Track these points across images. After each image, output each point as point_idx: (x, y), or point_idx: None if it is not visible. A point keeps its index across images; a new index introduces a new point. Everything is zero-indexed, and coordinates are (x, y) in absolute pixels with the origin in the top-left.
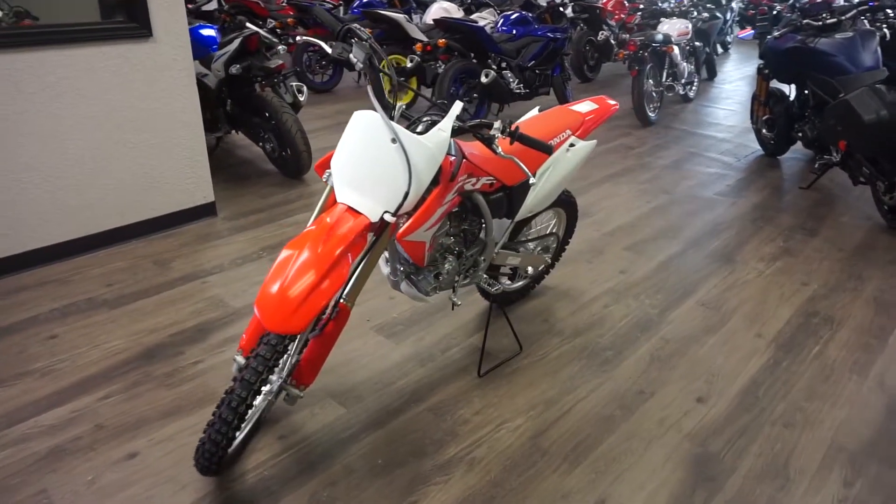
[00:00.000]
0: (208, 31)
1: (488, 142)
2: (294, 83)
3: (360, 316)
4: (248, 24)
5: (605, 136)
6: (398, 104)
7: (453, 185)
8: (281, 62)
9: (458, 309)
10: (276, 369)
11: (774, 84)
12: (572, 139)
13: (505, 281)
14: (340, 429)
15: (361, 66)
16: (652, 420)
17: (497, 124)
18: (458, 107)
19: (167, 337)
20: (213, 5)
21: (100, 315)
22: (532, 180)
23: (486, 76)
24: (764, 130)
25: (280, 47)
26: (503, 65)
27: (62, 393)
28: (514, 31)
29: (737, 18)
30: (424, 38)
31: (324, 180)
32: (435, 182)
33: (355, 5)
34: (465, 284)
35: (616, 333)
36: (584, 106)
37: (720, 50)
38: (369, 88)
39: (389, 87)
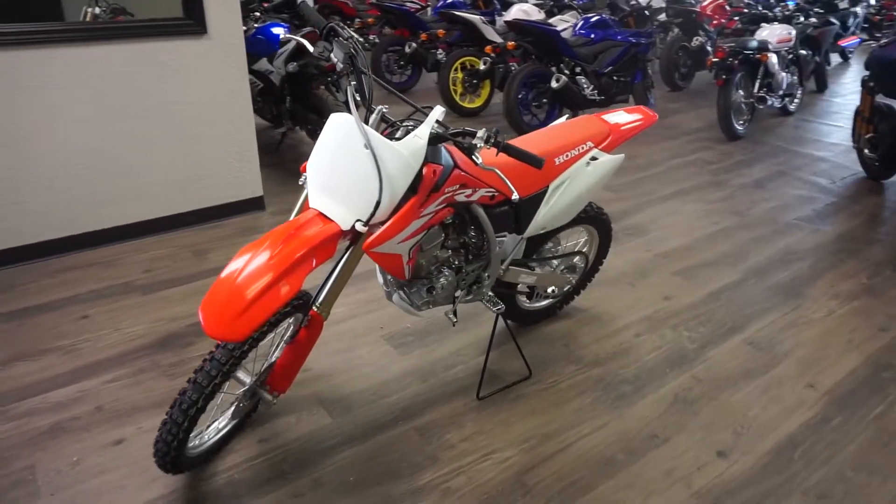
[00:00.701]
0: (277, 30)
1: (468, 151)
2: (353, 83)
3: (374, 322)
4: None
5: (682, 149)
6: (430, 110)
7: (437, 196)
8: (330, 62)
9: (475, 326)
10: (247, 371)
11: (881, 99)
12: (595, 152)
13: (523, 300)
14: (321, 438)
15: (342, 66)
16: (659, 469)
17: (481, 133)
18: (437, 112)
19: (184, 327)
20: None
21: (131, 299)
22: (515, 197)
23: (557, 81)
24: (866, 150)
25: (335, 46)
26: (577, 70)
27: (76, 372)
28: (593, 35)
29: (864, 25)
30: (500, 41)
31: (300, 183)
32: (414, 191)
33: (438, 6)
34: (468, 300)
35: (641, 367)
36: (617, 116)
37: (838, 59)
38: (349, 89)
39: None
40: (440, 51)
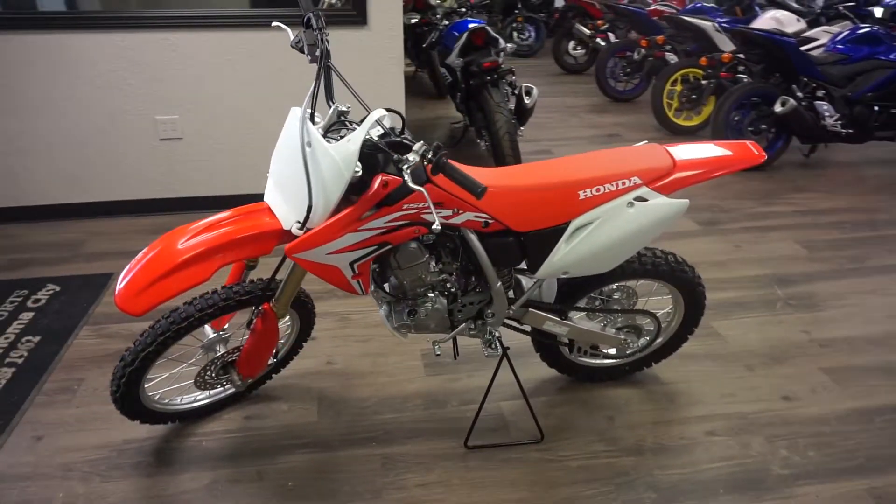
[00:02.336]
0: (472, 25)
1: (398, 167)
2: (524, 84)
3: (424, 335)
4: (577, 26)
5: None
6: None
7: (390, 212)
8: (491, 59)
9: (521, 366)
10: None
11: None
12: (644, 191)
13: (566, 351)
14: (294, 434)
15: (310, 58)
16: None
17: (417, 146)
18: (375, 114)
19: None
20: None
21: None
22: (435, 226)
23: (782, 105)
24: None
25: (507, 45)
26: (819, 93)
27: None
28: (852, 53)
29: None
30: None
31: (268, 175)
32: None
33: (685, 9)
34: (473, 335)
35: (688, 475)
36: (696, 149)
37: None
38: (316, 83)
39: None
40: (673, 57)
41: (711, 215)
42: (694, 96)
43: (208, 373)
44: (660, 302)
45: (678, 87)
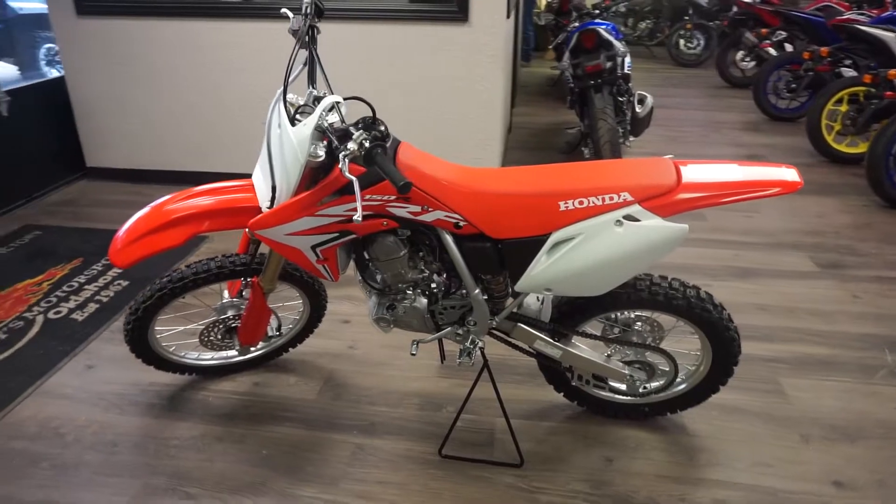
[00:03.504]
0: (593, 27)
1: (336, 155)
2: (639, 92)
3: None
4: (746, 35)
5: None
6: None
7: (352, 200)
8: (595, 63)
9: (539, 389)
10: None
11: None
12: (635, 209)
13: (570, 377)
14: (287, 408)
15: (299, 44)
16: None
17: (357, 135)
18: (329, 100)
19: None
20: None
21: None
22: (356, 217)
23: None
24: None
25: (620, 49)
26: None
27: None
28: None
29: None
30: None
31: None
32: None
33: (876, 19)
34: (458, 341)
35: None
36: (713, 169)
37: None
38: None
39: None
40: (851, 73)
41: (837, 257)
42: (858, 118)
43: (212, 333)
44: (689, 343)
45: (843, 108)
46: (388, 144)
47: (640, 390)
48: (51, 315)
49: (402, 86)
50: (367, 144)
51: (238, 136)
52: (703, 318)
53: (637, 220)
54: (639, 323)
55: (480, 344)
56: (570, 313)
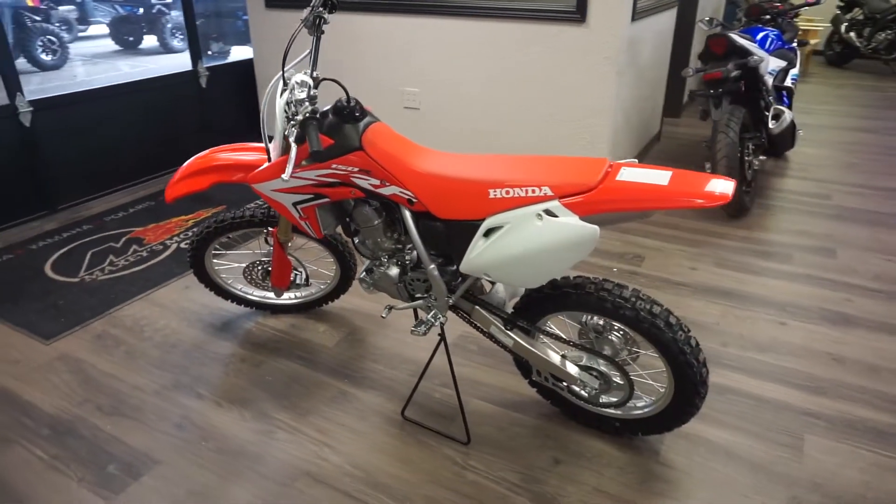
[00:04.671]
0: (762, 33)
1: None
2: (775, 106)
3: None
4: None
5: None
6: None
7: (321, 167)
8: (714, 71)
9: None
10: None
11: None
12: (554, 205)
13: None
14: (305, 349)
15: (308, 31)
16: None
17: (303, 108)
18: (297, 77)
19: None
20: None
21: None
22: (284, 176)
23: None
24: None
25: (755, 57)
26: None
27: None
28: None
29: None
30: None
31: None
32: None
33: None
34: (430, 311)
35: None
36: (641, 174)
37: None
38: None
39: None
40: None
41: None
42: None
43: (253, 272)
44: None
45: None
46: (363, 122)
47: (591, 397)
48: (182, 245)
49: (512, 83)
50: (306, 116)
51: None
52: (652, 335)
53: (555, 217)
54: (614, 333)
55: (442, 319)
56: (526, 306)
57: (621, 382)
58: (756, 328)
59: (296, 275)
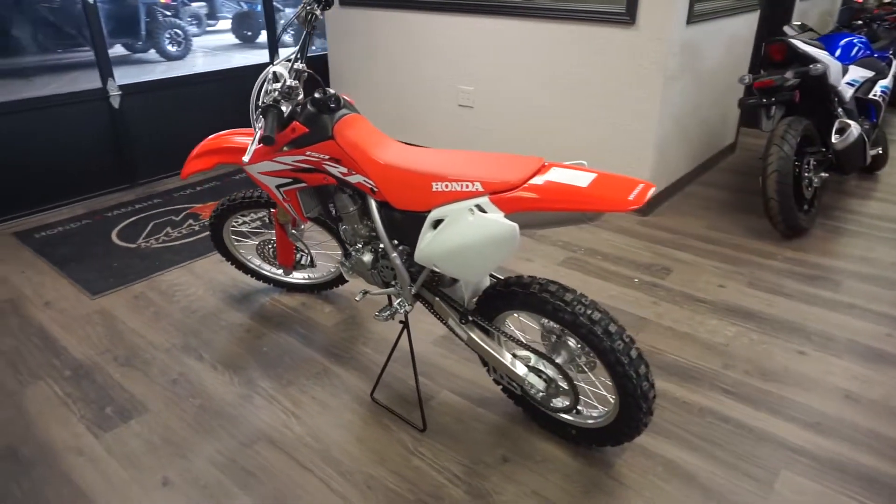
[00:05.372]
0: (845, 40)
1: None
2: (840, 119)
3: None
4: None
5: None
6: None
7: (296, 154)
8: (765, 79)
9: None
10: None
11: None
12: (484, 201)
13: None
14: (305, 326)
15: (302, 26)
16: None
17: (269, 97)
18: (271, 68)
19: None
20: None
21: None
22: (244, 158)
23: None
24: None
25: (817, 66)
26: None
27: None
28: None
29: None
30: None
31: None
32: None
33: None
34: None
35: None
36: (566, 175)
37: None
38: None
39: None
40: None
41: None
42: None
43: (265, 248)
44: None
45: None
46: (338, 113)
47: (541, 400)
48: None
49: (560, 84)
50: (267, 104)
51: (422, 113)
52: (590, 341)
53: (484, 212)
54: (571, 338)
55: (407, 308)
56: (481, 303)
57: (566, 388)
58: (768, 354)
59: (301, 256)
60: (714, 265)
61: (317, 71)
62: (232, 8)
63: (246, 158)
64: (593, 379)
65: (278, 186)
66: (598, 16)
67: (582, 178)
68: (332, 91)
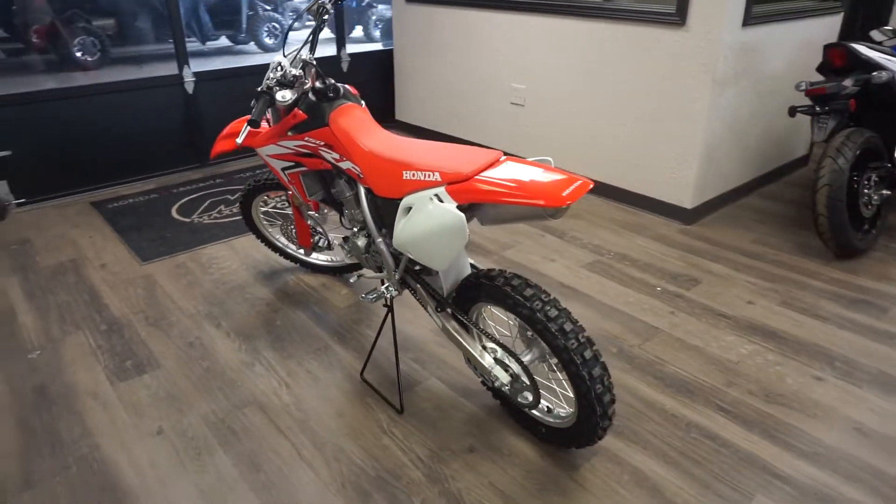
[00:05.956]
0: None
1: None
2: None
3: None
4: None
5: None
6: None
7: (296, 139)
8: (819, 86)
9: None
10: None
11: None
12: (440, 190)
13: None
14: (320, 306)
15: (313, 19)
16: None
17: (264, 85)
18: (276, 59)
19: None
20: None
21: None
22: (238, 140)
23: None
24: None
25: (880, 73)
26: None
27: None
28: None
29: None
30: None
31: None
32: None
33: None
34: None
35: None
36: (517, 169)
37: None
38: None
39: None
40: None
41: None
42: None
43: (287, 229)
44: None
45: None
46: (336, 102)
47: (508, 393)
48: (278, 204)
49: (608, 85)
50: (261, 90)
51: (476, 109)
52: (545, 338)
53: (442, 202)
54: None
55: (394, 293)
56: (458, 292)
57: (528, 383)
58: (780, 377)
59: (319, 238)
60: (748, 280)
61: (381, 64)
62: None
63: (238, 141)
64: (562, 378)
65: (283, 169)
66: (647, 16)
67: (527, 174)
68: (332, 81)
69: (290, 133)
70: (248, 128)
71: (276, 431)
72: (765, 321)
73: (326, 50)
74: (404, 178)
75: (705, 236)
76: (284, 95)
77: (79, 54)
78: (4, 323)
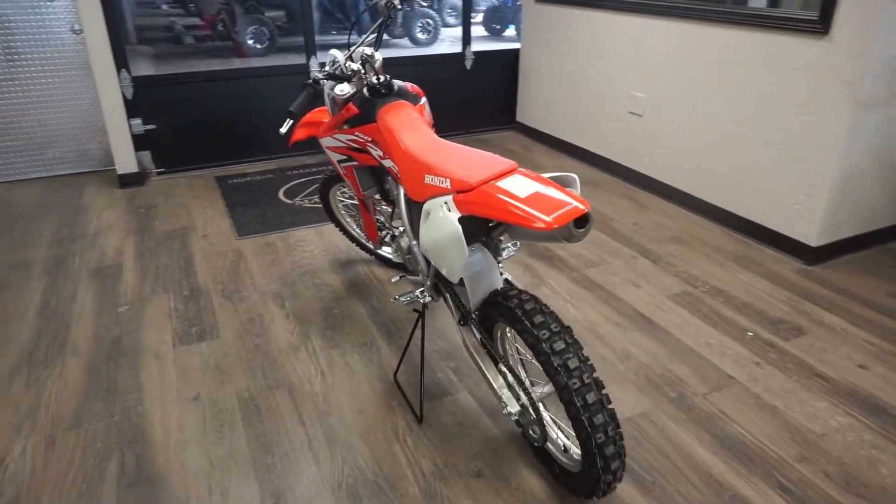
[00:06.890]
0: None
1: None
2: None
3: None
4: None
5: None
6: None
7: (348, 133)
8: None
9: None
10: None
11: None
12: (448, 198)
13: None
14: (358, 292)
15: (381, 15)
16: None
17: (313, 79)
18: (332, 54)
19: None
20: None
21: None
22: (282, 130)
23: None
24: None
25: None
26: None
27: None
28: None
29: None
30: None
31: None
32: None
33: None
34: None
35: None
36: (523, 183)
37: None
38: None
39: None
40: None
41: None
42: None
43: (359, 221)
44: None
45: None
46: (387, 99)
47: (519, 423)
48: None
49: (725, 98)
50: (305, 83)
51: (592, 116)
52: (546, 369)
53: (450, 210)
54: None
55: (427, 298)
56: (481, 309)
57: (534, 417)
58: (872, 463)
59: (385, 233)
60: (867, 339)
61: (507, 64)
62: (488, 1)
63: (283, 130)
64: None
65: (339, 162)
66: (784, 23)
67: (526, 190)
68: (387, 78)
69: (345, 126)
70: (289, 120)
71: (297, 417)
72: (873, 391)
73: (451, 48)
74: (425, 181)
75: (827, 280)
76: (343, 88)
77: (250, 41)
78: (113, 277)
